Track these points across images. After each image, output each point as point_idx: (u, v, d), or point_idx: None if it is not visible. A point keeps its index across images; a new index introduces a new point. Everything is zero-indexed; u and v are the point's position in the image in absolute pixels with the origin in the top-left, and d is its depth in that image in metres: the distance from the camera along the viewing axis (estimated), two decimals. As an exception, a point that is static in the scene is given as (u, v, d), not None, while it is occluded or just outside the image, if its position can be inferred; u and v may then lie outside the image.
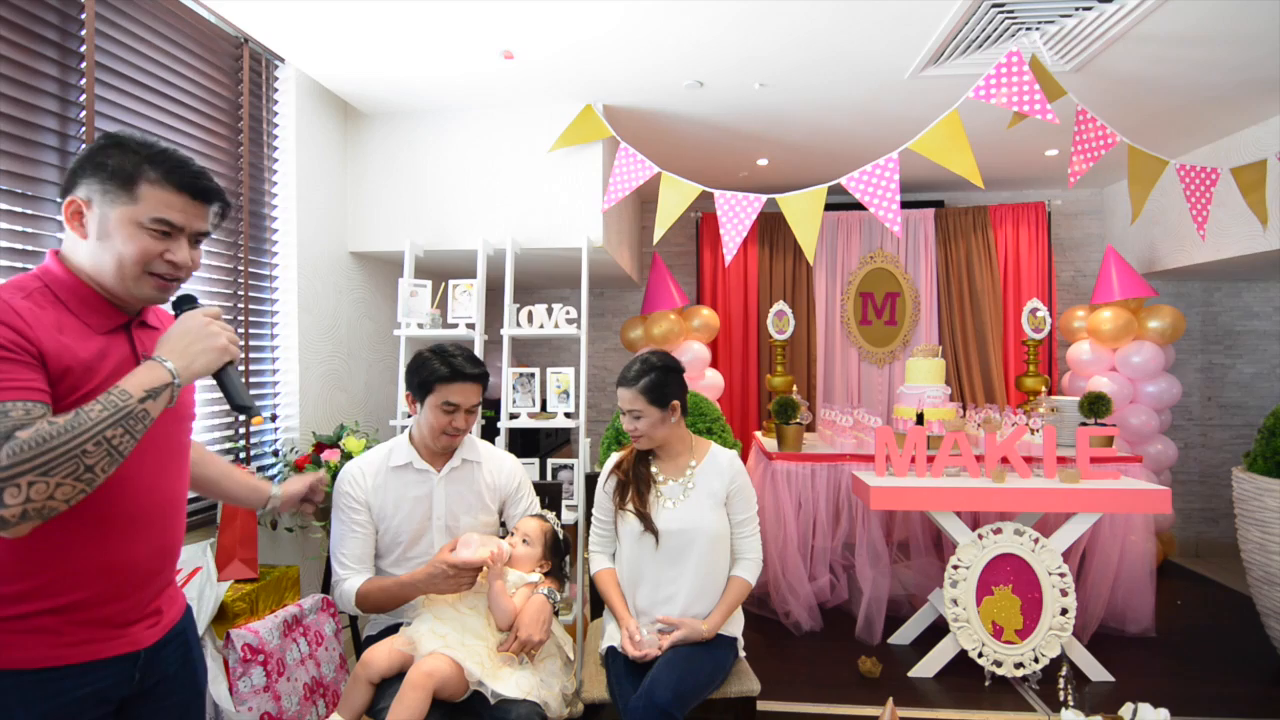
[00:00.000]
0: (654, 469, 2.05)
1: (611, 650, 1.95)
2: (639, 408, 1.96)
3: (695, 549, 1.95)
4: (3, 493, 0.91)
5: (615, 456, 2.14)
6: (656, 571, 1.96)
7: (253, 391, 2.66)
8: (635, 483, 2.02)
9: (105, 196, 1.06)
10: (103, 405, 0.98)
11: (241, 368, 2.57)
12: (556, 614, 1.88)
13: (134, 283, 1.10)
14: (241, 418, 2.61)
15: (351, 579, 1.84)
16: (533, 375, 3.00)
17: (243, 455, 2.58)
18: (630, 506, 2.00)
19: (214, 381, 1.17)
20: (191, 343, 1.08)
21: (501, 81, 3.01)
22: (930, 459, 2.99)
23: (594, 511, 2.13)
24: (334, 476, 1.95)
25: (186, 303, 1.18)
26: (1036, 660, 2.75)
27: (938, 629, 3.10)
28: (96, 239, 1.07)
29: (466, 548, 1.76)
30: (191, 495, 1.37)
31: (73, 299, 1.08)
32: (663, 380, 1.97)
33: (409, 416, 1.94)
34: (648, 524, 1.96)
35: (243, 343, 2.58)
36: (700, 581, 1.95)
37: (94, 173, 1.07)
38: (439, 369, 1.83)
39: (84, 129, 1.93)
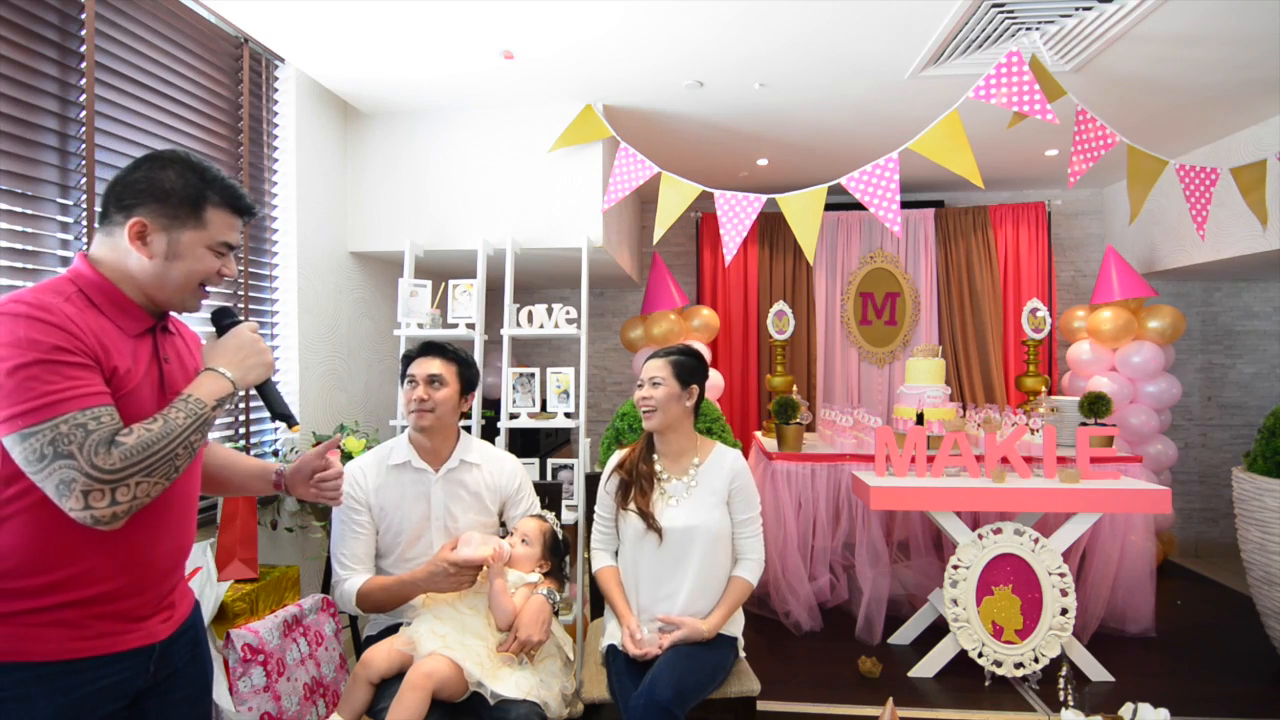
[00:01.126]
0: (658, 466, 2.06)
1: (612, 649, 1.95)
2: (663, 376, 1.99)
3: (697, 547, 1.95)
4: (115, 491, 1.00)
5: (618, 455, 2.14)
6: (658, 569, 1.97)
7: (252, 390, 2.65)
8: (638, 481, 2.02)
9: (174, 221, 1.14)
10: (185, 413, 1.09)
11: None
12: (556, 614, 1.88)
13: (190, 295, 1.19)
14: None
15: (352, 578, 1.85)
16: (533, 375, 3.00)
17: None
18: (633, 506, 2.00)
19: (256, 392, 1.28)
20: (246, 356, 1.20)
21: (501, 81, 3.01)
22: (930, 459, 2.99)
23: (596, 509, 2.13)
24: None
25: (226, 315, 1.27)
26: (1036, 660, 2.75)
27: (938, 629, 3.10)
28: (165, 259, 1.14)
29: (468, 546, 1.76)
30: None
31: (106, 303, 1.12)
32: (693, 365, 2.04)
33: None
34: (650, 523, 1.96)
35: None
36: (702, 580, 1.95)
37: (156, 197, 1.13)
38: (409, 351, 2.00)
39: (84, 129, 1.94)
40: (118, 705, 1.12)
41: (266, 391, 1.30)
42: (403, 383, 1.97)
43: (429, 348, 1.97)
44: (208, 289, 1.22)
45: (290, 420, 1.30)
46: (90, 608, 1.08)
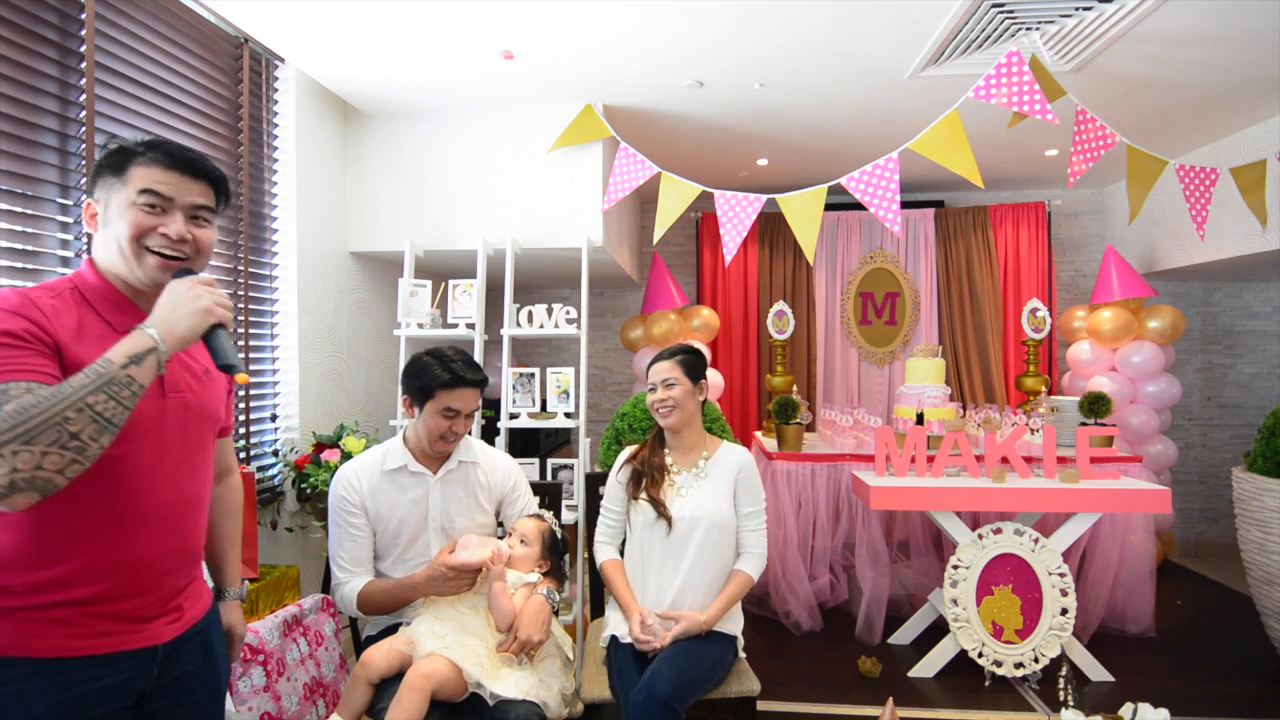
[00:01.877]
0: (669, 459, 2.10)
1: (614, 640, 1.96)
2: (675, 376, 2.06)
3: (703, 536, 1.97)
4: None
5: (629, 450, 2.19)
6: (665, 558, 1.99)
7: (253, 391, 2.66)
8: (650, 472, 2.07)
9: (108, 189, 1.14)
10: (85, 374, 0.99)
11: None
12: (556, 614, 1.88)
13: (137, 262, 1.13)
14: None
15: (352, 582, 1.84)
16: (533, 375, 3.00)
17: (243, 455, 2.58)
18: (644, 495, 2.04)
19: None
20: (174, 308, 1.08)
21: (501, 81, 3.01)
22: (930, 459, 2.99)
23: (604, 502, 2.16)
24: (333, 473, 1.95)
25: (180, 275, 1.17)
26: (1036, 660, 2.75)
27: (938, 629, 3.10)
28: (102, 227, 1.15)
29: (465, 549, 1.76)
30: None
31: (99, 299, 1.14)
32: (697, 361, 2.11)
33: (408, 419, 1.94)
34: (661, 511, 1.99)
35: (243, 341, 2.58)
36: (706, 570, 1.97)
37: (99, 173, 1.15)
38: (440, 374, 1.80)
39: (84, 129, 1.94)
40: (118, 705, 1.11)
41: (209, 340, 1.13)
42: (420, 397, 1.83)
43: (468, 379, 1.82)
44: (162, 253, 1.13)
45: (232, 370, 1.14)
46: (88, 607, 1.07)
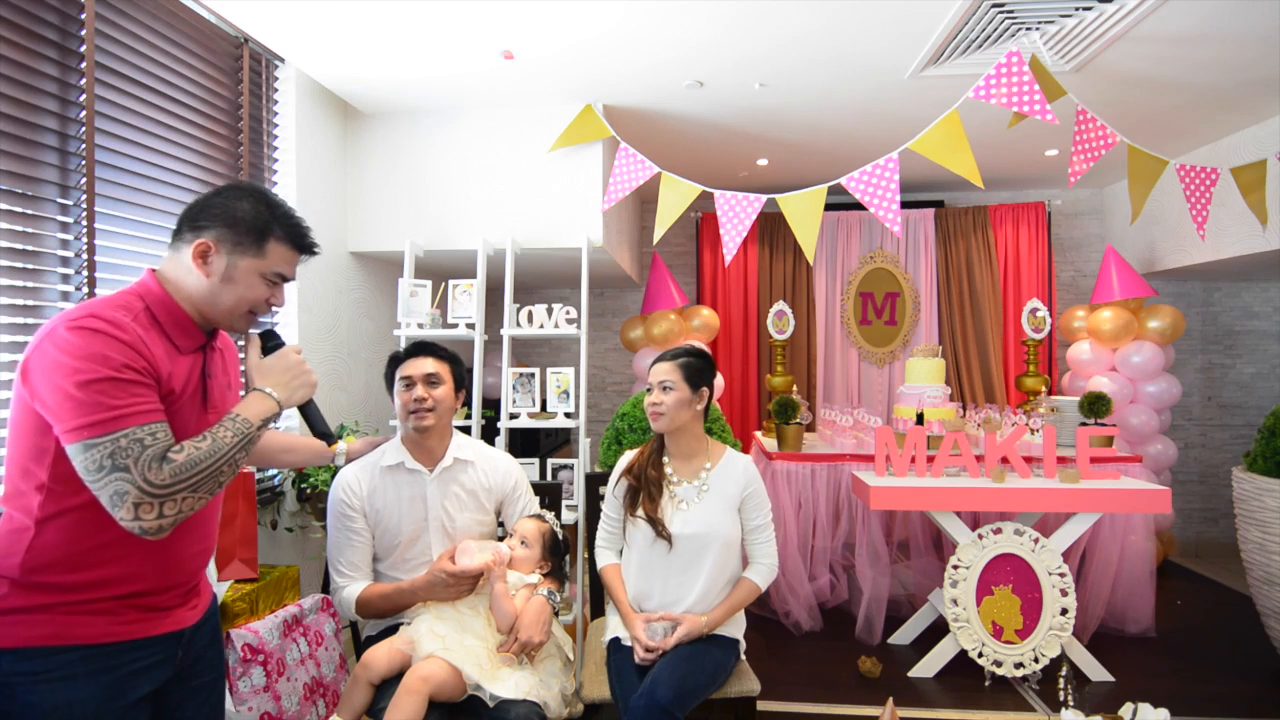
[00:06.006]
0: (668, 469, 2.04)
1: (615, 642, 1.95)
2: (673, 379, 1.97)
3: (709, 554, 1.94)
4: (164, 505, 1.07)
5: (627, 457, 2.12)
6: (668, 576, 1.96)
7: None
8: (647, 486, 2.00)
9: (237, 247, 1.22)
10: (232, 432, 1.15)
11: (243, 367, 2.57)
12: (557, 614, 1.88)
13: (239, 319, 1.26)
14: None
15: (350, 586, 1.85)
16: (533, 375, 3.00)
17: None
18: (641, 513, 1.98)
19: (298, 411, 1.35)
20: (292, 379, 1.27)
21: (501, 81, 3.01)
22: (930, 459, 2.99)
23: (603, 508, 2.13)
24: (334, 476, 1.96)
25: (272, 337, 1.34)
26: (1036, 660, 2.75)
27: (938, 629, 3.10)
28: (220, 281, 1.22)
29: (465, 555, 1.76)
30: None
31: (168, 320, 1.21)
32: (701, 366, 2.02)
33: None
34: (660, 530, 1.94)
35: (242, 340, 2.59)
36: (713, 586, 1.95)
37: (226, 223, 1.21)
38: (396, 354, 1.98)
39: (84, 129, 1.94)
40: (151, 688, 1.19)
41: (308, 411, 1.36)
42: (390, 386, 1.95)
43: (420, 348, 1.95)
44: (257, 316, 1.28)
45: (329, 439, 1.36)
46: (126, 600, 1.17)
